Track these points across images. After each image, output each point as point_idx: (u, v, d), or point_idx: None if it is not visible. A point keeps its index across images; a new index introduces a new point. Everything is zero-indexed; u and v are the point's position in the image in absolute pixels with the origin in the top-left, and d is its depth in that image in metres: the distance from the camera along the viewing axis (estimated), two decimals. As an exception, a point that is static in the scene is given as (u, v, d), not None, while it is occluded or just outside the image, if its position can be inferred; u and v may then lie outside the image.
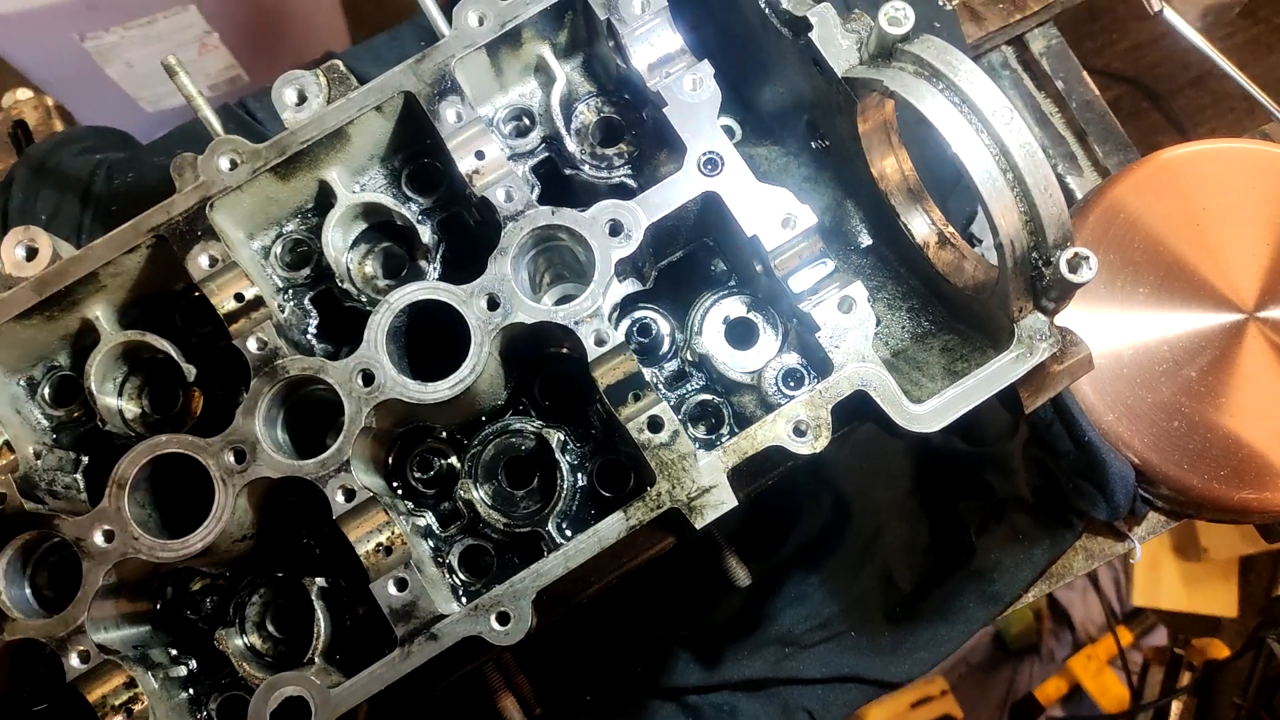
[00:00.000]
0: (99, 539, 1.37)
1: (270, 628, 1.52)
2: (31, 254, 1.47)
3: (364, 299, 1.56)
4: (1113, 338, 1.87)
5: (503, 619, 1.34)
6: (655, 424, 1.39)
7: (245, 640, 1.50)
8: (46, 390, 1.55)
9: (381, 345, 1.41)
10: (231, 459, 1.39)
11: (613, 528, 1.36)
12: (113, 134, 2.16)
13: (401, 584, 1.37)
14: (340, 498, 1.38)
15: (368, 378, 1.40)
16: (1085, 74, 2.21)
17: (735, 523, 1.75)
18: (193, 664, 1.52)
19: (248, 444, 1.39)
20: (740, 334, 1.58)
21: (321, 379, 1.40)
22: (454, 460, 1.59)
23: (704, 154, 1.45)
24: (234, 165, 1.47)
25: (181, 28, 3.79)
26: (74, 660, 1.35)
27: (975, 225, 1.89)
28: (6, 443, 1.43)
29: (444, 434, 1.59)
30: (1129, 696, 4.30)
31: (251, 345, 1.43)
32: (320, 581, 1.49)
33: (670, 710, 1.79)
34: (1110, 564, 4.70)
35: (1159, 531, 1.97)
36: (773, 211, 1.44)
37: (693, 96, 1.47)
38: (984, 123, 1.28)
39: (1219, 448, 1.82)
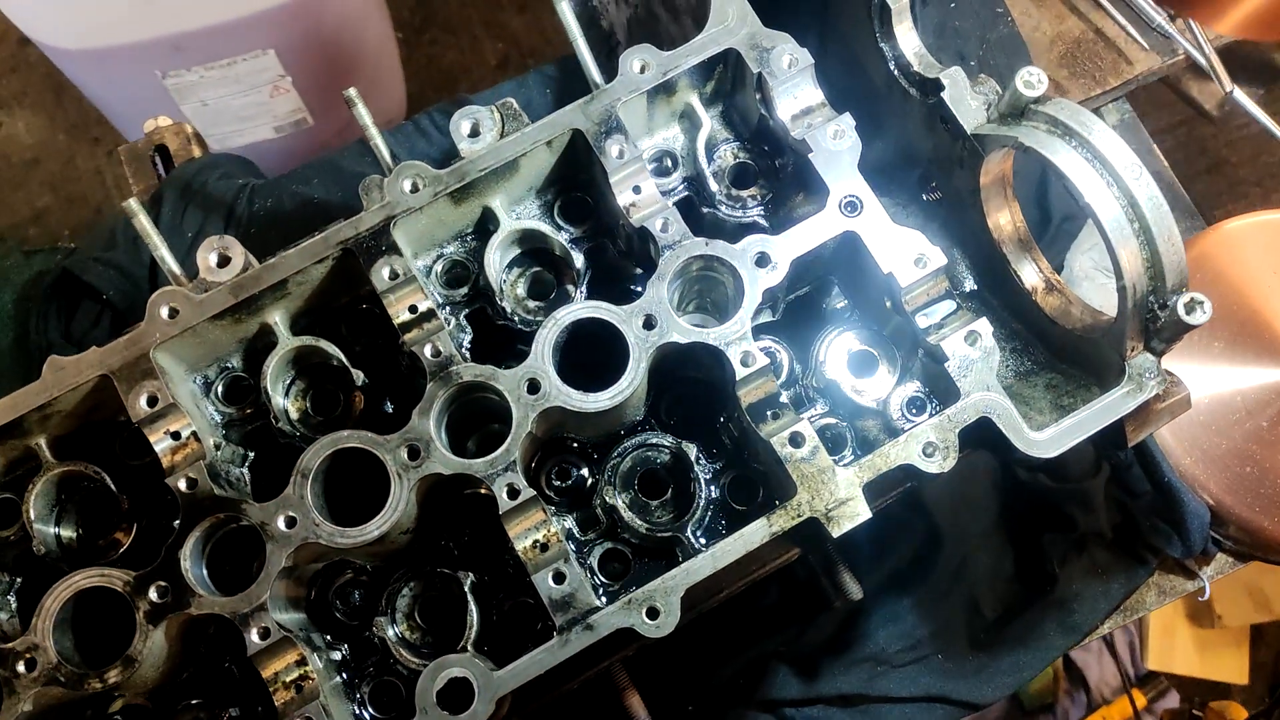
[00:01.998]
0: (282, 524, 1.48)
1: (418, 619, 1.62)
2: (224, 261, 1.59)
3: (516, 318, 1.69)
4: (1191, 387, 2.01)
5: (652, 613, 1.45)
6: (796, 440, 1.51)
7: (396, 630, 1.60)
8: (220, 389, 1.67)
9: (548, 357, 1.53)
10: (406, 455, 1.50)
11: (757, 532, 1.48)
12: (245, 162, 2.31)
13: (559, 577, 1.48)
14: (505, 495, 1.49)
15: (534, 386, 1.52)
16: (1155, 146, 2.38)
17: (834, 553, 1.86)
18: (345, 650, 1.62)
19: (422, 442, 1.51)
20: (861, 364, 1.71)
21: (493, 386, 1.53)
22: (585, 471, 1.71)
23: (845, 197, 1.60)
24: (416, 188, 1.60)
25: (258, 70, 3.95)
26: (254, 636, 1.45)
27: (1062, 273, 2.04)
28: (194, 433, 1.54)
29: (575, 445, 1.71)
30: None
31: (427, 352, 1.55)
32: (471, 577, 1.60)
33: (767, 721, 1.90)
34: (1126, 628, 4.82)
35: (1226, 572, 2.09)
36: (906, 251, 1.58)
37: (835, 144, 1.62)
38: (1114, 176, 1.42)
39: (1288, 493, 1.96)
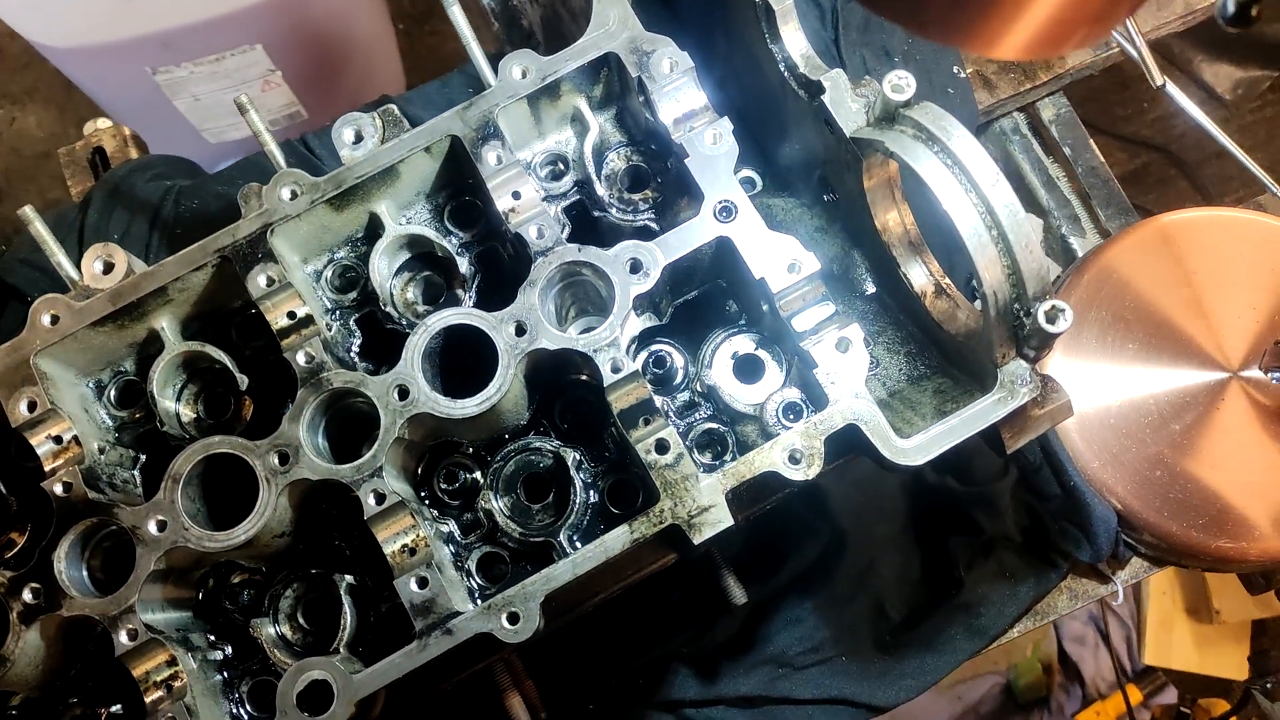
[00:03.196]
0: (153, 528, 1.51)
1: (301, 619, 1.65)
2: (108, 268, 1.62)
3: (404, 322, 1.70)
4: (1102, 390, 1.98)
5: (513, 619, 1.46)
6: (662, 446, 1.51)
7: (277, 630, 1.62)
8: (112, 393, 1.70)
9: (417, 364, 1.54)
10: (276, 461, 1.52)
11: (618, 539, 1.48)
12: (181, 162, 2.34)
13: (422, 582, 1.50)
14: (372, 500, 1.51)
15: (403, 392, 1.53)
16: (1091, 141, 2.34)
17: (736, 548, 1.86)
18: (229, 650, 1.65)
19: (291, 448, 1.53)
20: (748, 369, 1.70)
21: (361, 392, 1.54)
22: (478, 475, 1.72)
23: (719, 202, 1.59)
24: (294, 195, 1.62)
25: (247, 65, 3.99)
26: (123, 637, 1.48)
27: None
28: (75, 438, 1.57)
29: (470, 449, 1.72)
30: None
31: (300, 359, 1.57)
32: (349, 579, 1.62)
33: (667, 722, 1.90)
34: (1122, 622, 4.76)
35: (1141, 577, 2.05)
36: (780, 257, 1.57)
37: (712, 149, 1.61)
38: (973, 184, 1.40)
39: (1198, 498, 1.92)
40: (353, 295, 1.73)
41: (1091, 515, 1.86)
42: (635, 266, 1.57)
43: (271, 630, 1.62)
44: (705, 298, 1.77)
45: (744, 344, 1.73)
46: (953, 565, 1.93)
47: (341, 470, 1.52)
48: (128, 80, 3.98)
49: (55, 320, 1.58)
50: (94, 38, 3.75)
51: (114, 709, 1.62)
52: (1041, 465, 1.92)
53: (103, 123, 2.36)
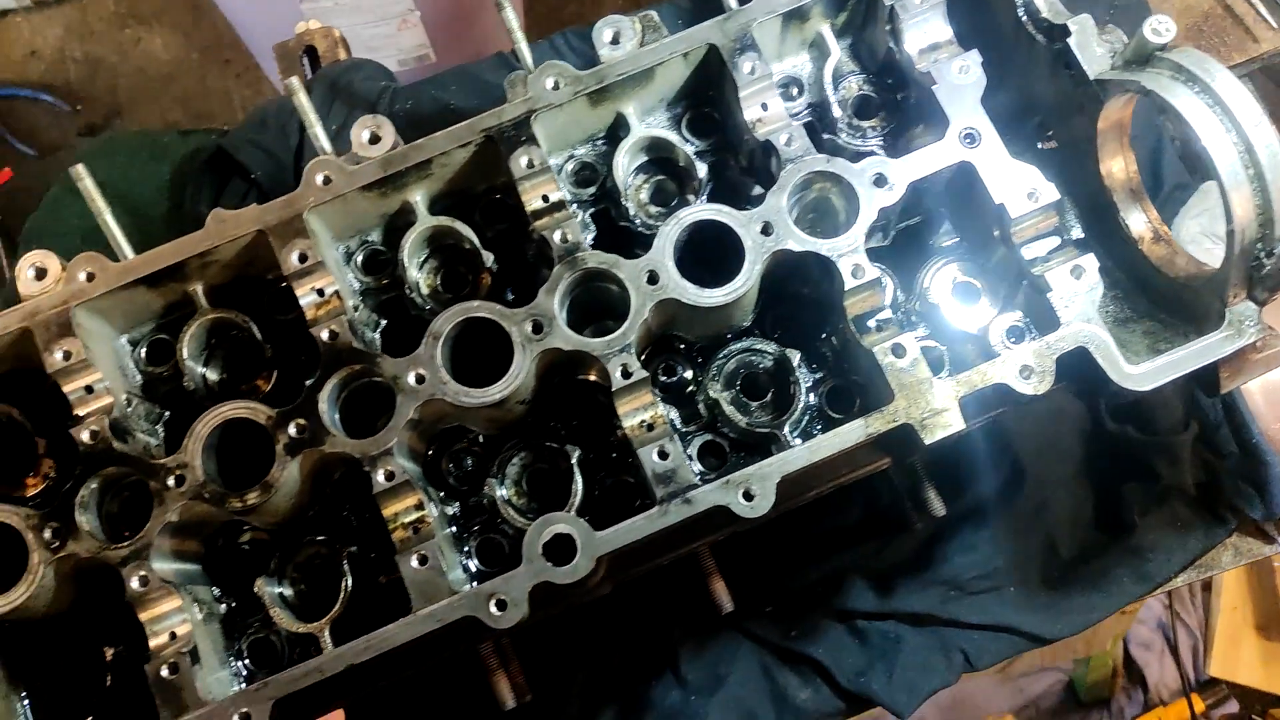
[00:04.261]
0: (412, 379, 1.60)
1: (525, 486, 1.74)
2: (375, 139, 1.72)
3: (637, 220, 1.79)
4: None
5: (748, 495, 1.55)
6: (898, 350, 1.59)
7: (505, 492, 1.72)
8: (359, 258, 1.80)
9: (669, 252, 1.63)
10: (530, 329, 1.62)
11: (853, 432, 1.56)
12: (387, 70, 2.44)
13: (663, 454, 1.58)
14: (620, 374, 1.60)
15: (653, 277, 1.62)
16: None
17: (921, 471, 1.93)
18: (456, 507, 1.75)
19: (545, 318, 1.62)
20: (964, 294, 1.78)
21: (615, 274, 1.63)
22: (689, 373, 1.80)
23: (965, 129, 1.67)
24: (557, 86, 1.71)
25: (390, 2, 4.09)
26: (380, 476, 1.58)
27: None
28: (336, 292, 1.66)
29: (682, 346, 1.81)
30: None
31: (556, 238, 1.66)
32: (578, 451, 1.72)
33: (840, 631, 1.98)
34: (1191, 632, 4.79)
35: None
36: (1020, 184, 1.64)
37: (960, 79, 1.69)
38: (1234, 123, 1.47)
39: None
40: (590, 191, 1.82)
41: (1270, 474, 1.93)
42: (880, 180, 1.65)
43: (501, 492, 1.71)
44: (924, 226, 1.84)
45: (958, 272, 1.80)
46: (1125, 510, 2.00)
47: (594, 343, 1.61)
48: (276, 11, 4.10)
49: (328, 181, 1.68)
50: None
51: (351, 549, 1.71)
52: (1222, 423, 1.99)
53: (314, 23, 2.46)
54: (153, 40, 5.72)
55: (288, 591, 1.71)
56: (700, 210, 1.65)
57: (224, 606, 1.71)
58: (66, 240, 2.07)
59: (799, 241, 1.63)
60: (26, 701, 1.68)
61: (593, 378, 1.73)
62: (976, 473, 2.02)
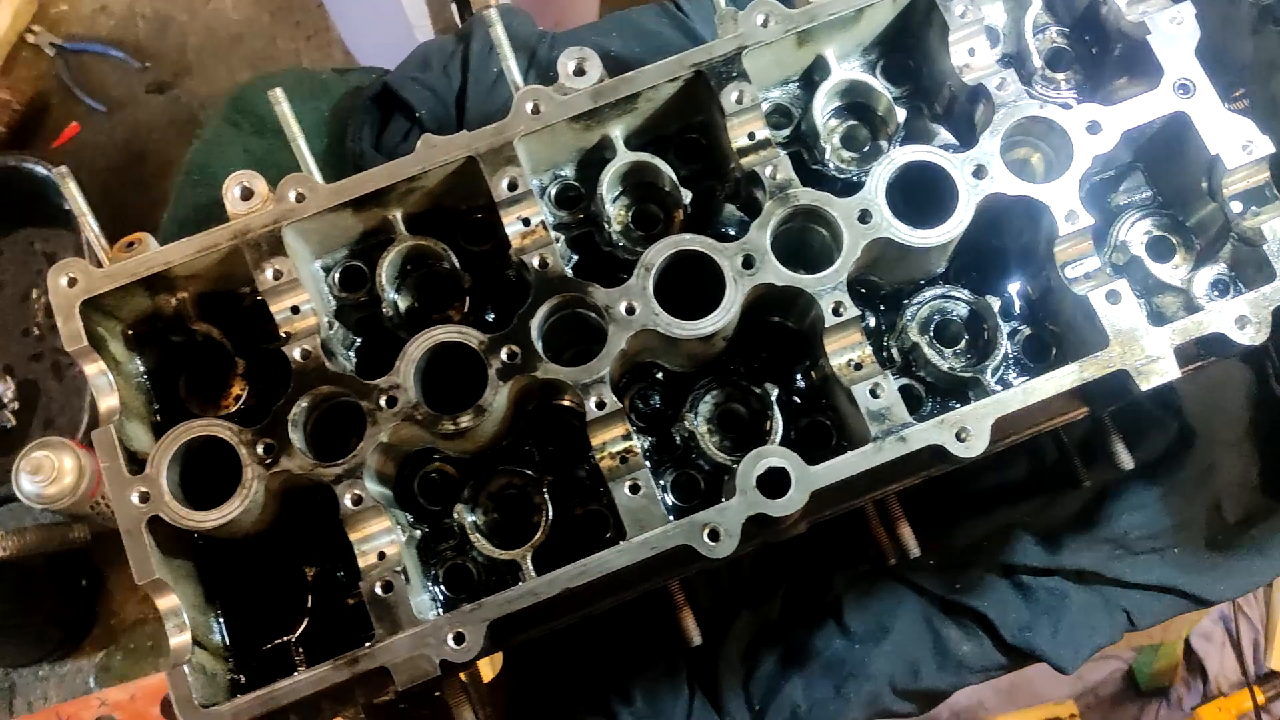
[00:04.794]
0: (623, 309, 1.60)
1: (718, 424, 1.74)
2: (580, 71, 1.72)
3: (830, 164, 1.79)
4: None
5: (961, 435, 1.55)
6: (1113, 297, 1.59)
7: (697, 428, 1.72)
8: (553, 191, 1.80)
9: (881, 191, 1.63)
10: (741, 263, 1.61)
11: (1068, 375, 1.56)
12: (531, 18, 2.43)
13: (875, 391, 1.58)
14: (831, 312, 1.60)
15: (864, 216, 1.62)
16: None
17: (1088, 428, 1.94)
18: (653, 440, 1.75)
19: (758, 253, 1.62)
20: (1159, 248, 1.78)
21: (826, 212, 1.63)
22: (873, 321, 1.80)
23: (1179, 79, 1.66)
24: (767, 23, 1.71)
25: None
26: (593, 404, 1.57)
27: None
28: (543, 222, 1.66)
29: (863, 292, 1.80)
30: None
31: (767, 173, 1.66)
32: (776, 389, 1.72)
33: (1005, 586, 1.98)
34: (1252, 625, 4.80)
35: None
36: (1235, 136, 1.64)
37: (1173, 29, 1.68)
38: None
39: None
40: (784, 134, 1.82)
41: None
42: (1093, 128, 1.65)
43: (700, 425, 1.71)
44: (1111, 181, 1.84)
45: (1151, 226, 1.80)
46: (1295, 475, 2.00)
47: (805, 280, 1.61)
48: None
49: (537, 110, 1.68)
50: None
51: (549, 478, 1.71)
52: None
53: (463, -31, 2.45)
54: (223, 0, 5.71)
55: (480, 520, 1.71)
56: (915, 151, 1.65)
57: (418, 532, 1.71)
58: (230, 171, 2.05)
59: (1012, 186, 1.63)
60: (222, 619, 1.68)
61: (791, 325, 1.74)
62: (1146, 433, 2.02)
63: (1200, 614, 4.40)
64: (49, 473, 2.49)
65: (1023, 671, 2.26)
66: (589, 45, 2.17)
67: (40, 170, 3.39)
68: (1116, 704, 4.76)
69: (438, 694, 1.79)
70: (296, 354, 1.61)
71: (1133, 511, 1.99)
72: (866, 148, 1.82)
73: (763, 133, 1.69)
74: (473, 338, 1.60)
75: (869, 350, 1.62)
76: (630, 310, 1.60)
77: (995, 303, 1.74)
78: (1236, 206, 1.67)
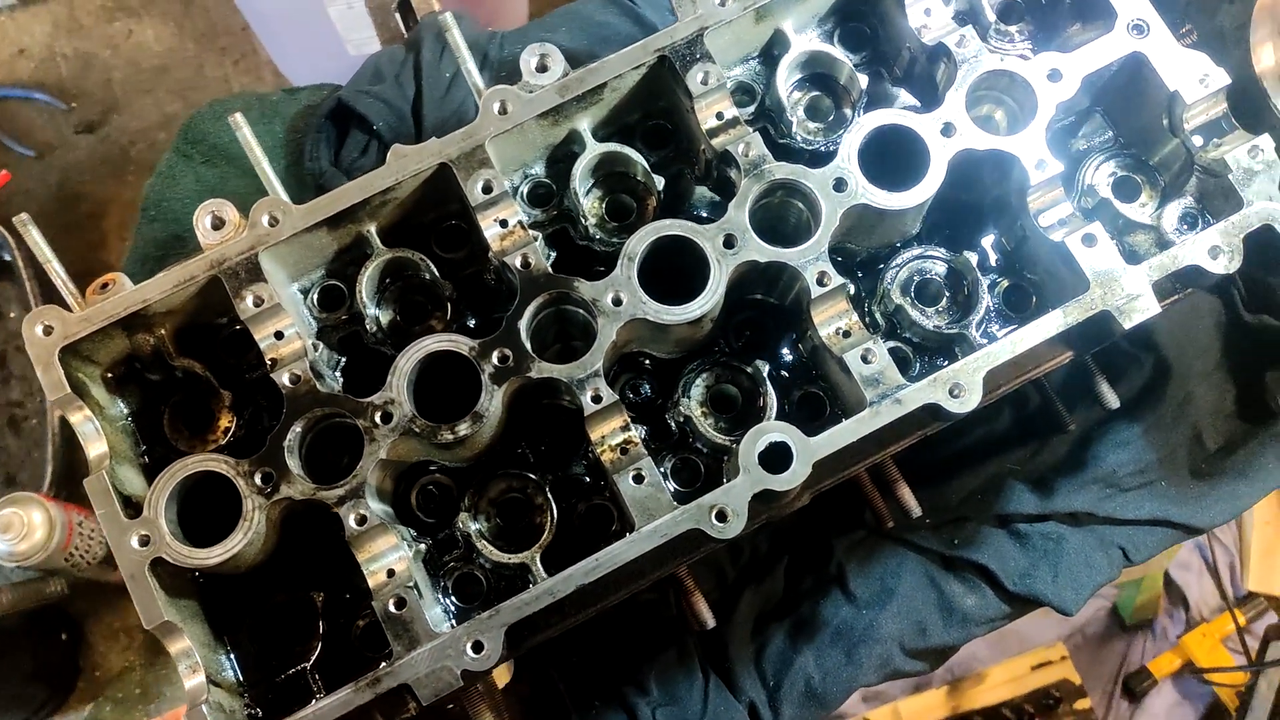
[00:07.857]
0: (609, 301, 1.60)
1: (711, 407, 1.74)
2: (543, 67, 1.71)
3: (797, 137, 1.79)
4: None
5: (954, 391, 1.56)
6: (1089, 240, 1.62)
7: (693, 410, 1.72)
8: (525, 189, 1.79)
9: (854, 159, 1.64)
10: (722, 243, 1.62)
11: (1053, 321, 1.59)
12: (477, 21, 2.41)
13: (867, 357, 1.60)
14: (815, 283, 1.61)
15: (840, 185, 1.63)
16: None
17: (1067, 371, 1.96)
18: (645, 430, 1.75)
19: (738, 231, 1.62)
20: (1127, 188, 1.81)
21: (802, 184, 1.64)
22: (851, 288, 1.81)
23: (1133, 19, 1.69)
24: (724, 2, 1.71)
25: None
26: (588, 399, 1.57)
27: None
28: (520, 223, 1.65)
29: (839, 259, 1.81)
30: (1243, 674, 4.48)
31: (739, 151, 1.66)
32: (767, 367, 1.72)
33: (1001, 536, 2.01)
34: (1226, 549, 4.91)
35: None
36: (1191, 71, 1.67)
37: (1120, -29, 1.71)
38: None
39: None
40: (750, 110, 1.82)
41: None
42: (1054, 75, 1.67)
43: (694, 408, 1.71)
44: (1070, 126, 1.87)
45: (1115, 167, 1.83)
46: (1269, 398, 2.04)
47: (788, 253, 1.62)
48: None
49: (504, 109, 1.67)
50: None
51: (549, 478, 1.71)
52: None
53: (404, -24, 2.43)
54: (144, 32, 5.59)
55: (484, 527, 1.70)
56: (882, 115, 1.66)
57: (422, 545, 1.70)
58: (187, 204, 2.03)
59: (980, 140, 1.65)
60: (232, 655, 1.66)
61: (772, 300, 1.74)
62: (1120, 370, 2.06)
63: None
64: (19, 530, 2.43)
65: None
66: (536, 41, 2.16)
67: (-24, 226, 3.29)
68: (1104, 641, 4.86)
69: (450, 705, 1.78)
70: (286, 379, 1.59)
71: (1118, 449, 2.03)
72: (831, 117, 1.83)
73: (731, 111, 1.69)
74: (463, 345, 1.59)
75: (856, 317, 1.63)
76: (617, 301, 1.60)
77: (973, 258, 1.75)
78: (1198, 140, 1.70)
